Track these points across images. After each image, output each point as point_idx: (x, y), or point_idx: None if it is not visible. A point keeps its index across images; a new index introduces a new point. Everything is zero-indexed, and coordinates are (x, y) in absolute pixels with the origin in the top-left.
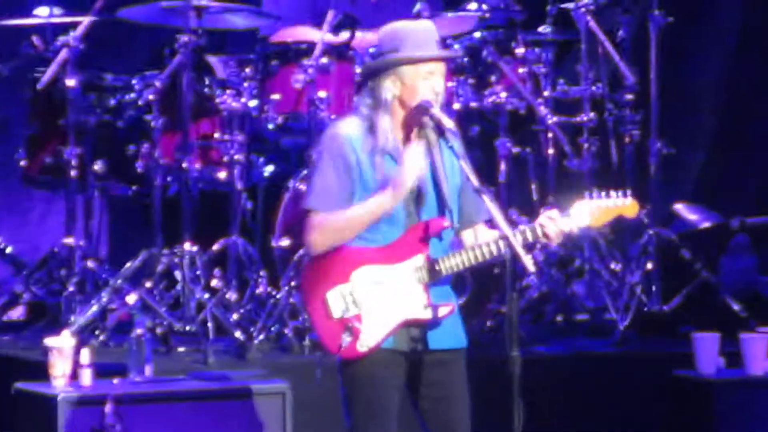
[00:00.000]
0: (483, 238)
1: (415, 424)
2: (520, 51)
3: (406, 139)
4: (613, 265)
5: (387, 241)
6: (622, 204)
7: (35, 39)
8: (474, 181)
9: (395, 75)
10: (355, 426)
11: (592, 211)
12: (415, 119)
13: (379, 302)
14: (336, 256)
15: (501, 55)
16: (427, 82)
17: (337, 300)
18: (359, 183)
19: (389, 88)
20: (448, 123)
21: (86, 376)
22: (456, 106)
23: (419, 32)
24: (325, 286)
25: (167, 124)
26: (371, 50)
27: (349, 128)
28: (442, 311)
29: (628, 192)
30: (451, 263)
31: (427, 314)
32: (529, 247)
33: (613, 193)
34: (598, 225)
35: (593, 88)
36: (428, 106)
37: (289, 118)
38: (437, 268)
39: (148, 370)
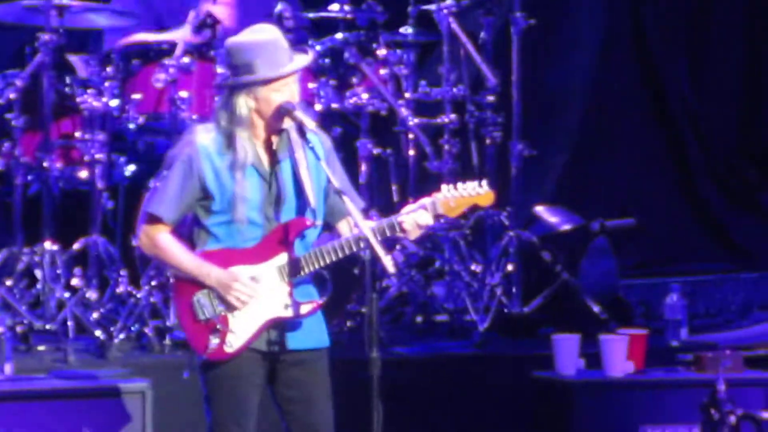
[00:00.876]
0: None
1: (278, 423)
2: (381, 52)
3: (268, 142)
4: (473, 267)
5: (250, 243)
6: (477, 193)
7: None
8: (334, 181)
9: (248, 92)
10: (215, 424)
11: (447, 201)
12: (277, 121)
13: (245, 303)
14: (203, 258)
15: (363, 57)
16: (281, 94)
17: (203, 303)
18: (218, 192)
19: (244, 104)
20: (310, 124)
21: None
22: (318, 107)
23: (269, 48)
24: (191, 290)
25: (28, 122)
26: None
27: (206, 139)
28: (305, 308)
29: (484, 181)
30: (312, 259)
31: (290, 312)
32: (389, 248)
33: (469, 183)
34: (454, 215)
35: (455, 89)
36: (290, 108)
37: (151, 117)
38: (300, 265)
39: (8, 368)
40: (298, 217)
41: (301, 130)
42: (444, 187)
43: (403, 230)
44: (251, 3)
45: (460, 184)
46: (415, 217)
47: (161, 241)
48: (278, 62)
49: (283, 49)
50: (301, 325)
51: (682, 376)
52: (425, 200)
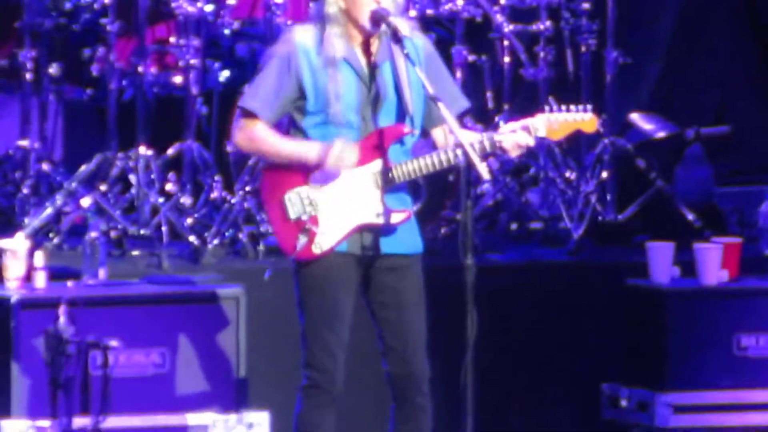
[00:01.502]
0: (449, 140)
1: (371, 329)
2: None
3: (365, 44)
4: (567, 174)
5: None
6: (581, 119)
7: None
8: (429, 88)
9: None
10: (307, 328)
11: (550, 124)
12: (371, 25)
13: (336, 205)
14: None
15: None
16: None
17: (294, 202)
18: (313, 90)
19: (332, 1)
20: (405, 29)
21: (40, 279)
22: (412, 13)
23: None
24: (283, 188)
25: (123, 28)
26: None
27: (303, 36)
28: (397, 217)
29: (588, 106)
30: (407, 169)
31: (381, 219)
32: (485, 155)
33: (572, 107)
34: (556, 138)
35: None
36: (384, 14)
37: (245, 23)
38: (393, 174)
39: (102, 273)
40: (397, 124)
41: (396, 36)
42: (546, 110)
43: (502, 149)
44: None
45: (563, 108)
46: (516, 138)
47: (257, 132)
48: None
49: None
50: (395, 230)
51: None
52: (528, 120)
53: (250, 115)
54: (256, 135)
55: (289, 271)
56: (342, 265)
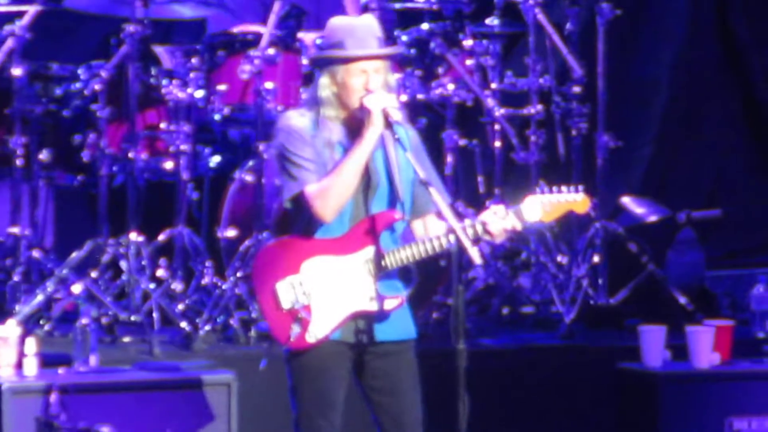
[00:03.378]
0: (433, 230)
1: (366, 417)
2: (467, 43)
3: (356, 131)
4: (559, 258)
5: (336, 232)
6: (573, 200)
7: None
8: (420, 173)
9: (329, 73)
10: (300, 416)
11: (543, 206)
12: (362, 110)
13: (329, 293)
14: (286, 246)
15: (449, 47)
16: (359, 80)
17: (287, 291)
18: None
19: (325, 85)
20: (396, 116)
21: (31, 366)
22: (403, 98)
23: (356, 29)
24: (275, 277)
25: (113, 114)
26: (318, 42)
27: (299, 120)
28: (390, 303)
29: (580, 187)
30: (400, 257)
31: (374, 306)
32: (475, 240)
33: (564, 188)
34: (549, 220)
35: (541, 80)
36: (376, 99)
37: (236, 108)
38: (385, 261)
39: (93, 360)
40: (388, 210)
41: (387, 120)
42: (538, 192)
43: (489, 233)
44: None
45: (555, 190)
46: (503, 224)
47: (318, 186)
48: (365, 44)
49: (373, 35)
50: (388, 316)
51: None
52: (521, 204)
53: (302, 194)
54: (321, 186)
55: (280, 357)
56: (335, 354)
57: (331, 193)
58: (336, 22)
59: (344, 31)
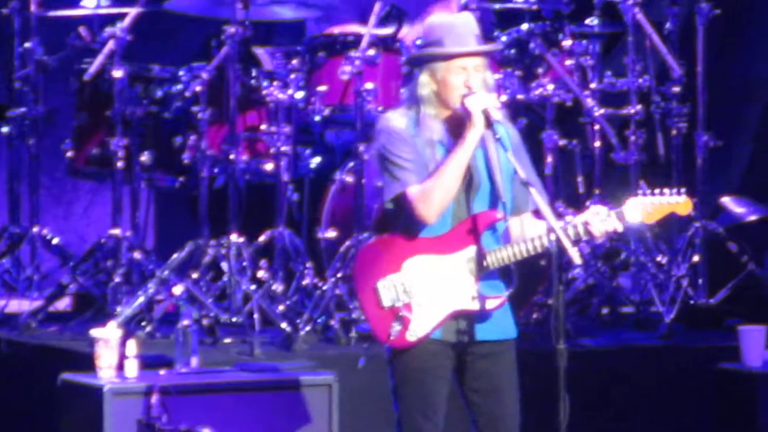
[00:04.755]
0: (529, 229)
1: (465, 416)
2: (567, 43)
3: (456, 130)
4: (659, 258)
5: (437, 231)
6: (675, 201)
7: (82, 30)
8: (521, 172)
9: (429, 70)
10: (403, 416)
11: (644, 207)
12: (462, 108)
13: (430, 292)
14: (387, 245)
15: (548, 48)
16: (459, 77)
17: (388, 289)
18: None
19: (425, 83)
20: (497, 115)
21: (132, 368)
22: (503, 98)
23: (455, 27)
24: (376, 275)
25: (214, 115)
26: (417, 42)
27: (398, 121)
28: (492, 303)
29: (681, 189)
30: (500, 256)
31: (476, 306)
32: (576, 240)
33: (665, 189)
34: (650, 222)
35: (640, 80)
36: (476, 97)
37: (336, 109)
38: (486, 261)
39: (195, 361)
40: (489, 210)
41: (488, 120)
42: (639, 194)
43: (590, 233)
44: None
45: (657, 192)
46: (605, 225)
47: (420, 188)
48: (464, 42)
49: (470, 30)
50: (489, 316)
51: None
52: (624, 206)
53: (404, 195)
54: (423, 188)
55: (381, 358)
56: (437, 353)
57: (434, 195)
58: (434, 20)
59: (443, 29)
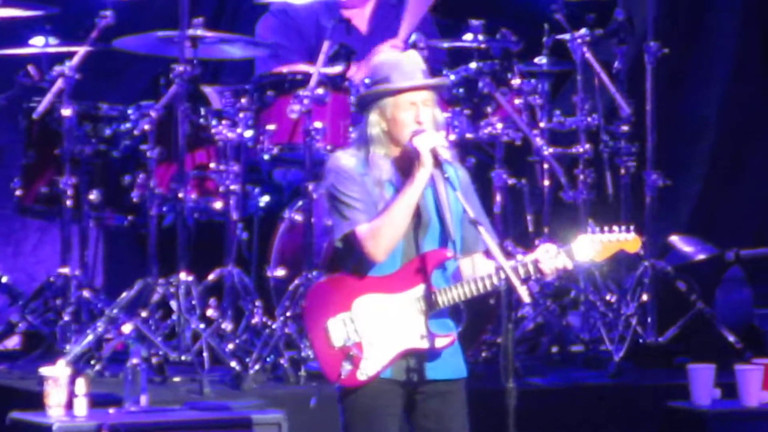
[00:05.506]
0: (480, 269)
1: None
2: (516, 82)
3: (405, 169)
4: (608, 297)
5: (387, 270)
6: (624, 239)
7: (31, 69)
8: (470, 212)
9: (378, 109)
10: None
11: (594, 245)
12: (414, 149)
13: (380, 331)
14: (337, 284)
15: (497, 86)
16: (408, 113)
17: (339, 328)
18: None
19: (374, 122)
20: (445, 154)
21: (82, 406)
22: (452, 137)
23: (402, 63)
24: (326, 314)
25: (163, 154)
26: (366, 81)
27: (348, 160)
28: (441, 342)
29: (630, 227)
30: (450, 295)
31: (425, 344)
32: (525, 278)
33: (614, 227)
34: (600, 260)
35: (589, 119)
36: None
37: (285, 148)
38: (436, 300)
39: (144, 399)
40: (439, 248)
41: (437, 159)
42: (589, 232)
43: (540, 272)
44: (383, 33)
45: (606, 229)
46: (555, 263)
47: (370, 226)
48: (411, 77)
49: (419, 68)
50: (439, 355)
51: None
52: (572, 243)
53: (353, 234)
54: (372, 226)
55: (331, 397)
56: (387, 392)
57: (383, 234)
58: (380, 58)
59: (390, 66)
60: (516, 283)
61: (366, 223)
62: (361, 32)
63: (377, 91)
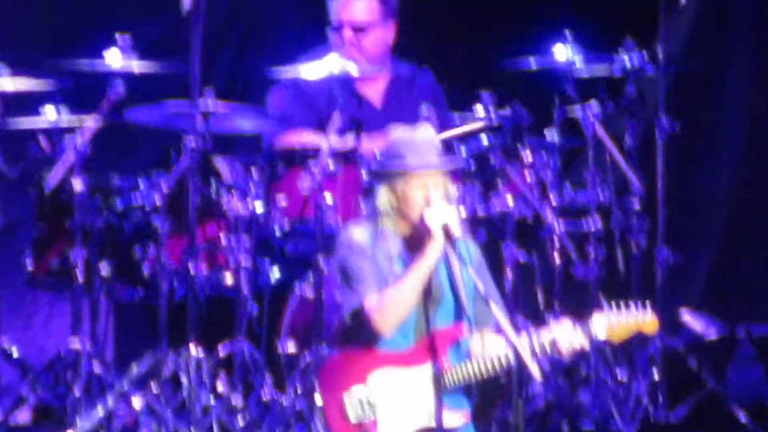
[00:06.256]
0: (490, 344)
1: None
2: (527, 156)
3: (416, 244)
4: (619, 374)
5: (400, 345)
6: (642, 320)
7: (42, 140)
8: (481, 288)
9: (389, 184)
10: None
11: (611, 326)
12: (425, 226)
13: (395, 407)
14: (351, 358)
15: (508, 161)
16: (420, 192)
17: (354, 403)
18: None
19: (384, 198)
20: (457, 231)
21: None
22: (463, 212)
23: (416, 142)
24: (341, 387)
25: (173, 226)
26: (379, 156)
27: (359, 234)
28: (455, 421)
29: (647, 303)
30: (463, 373)
31: (439, 423)
32: (535, 355)
33: (630, 303)
34: (617, 341)
35: (600, 194)
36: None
37: (296, 222)
38: (449, 377)
39: None
40: (454, 326)
41: (449, 235)
42: (605, 310)
43: (558, 352)
44: (395, 107)
45: (623, 308)
46: (573, 344)
47: (378, 301)
48: (425, 157)
49: (433, 148)
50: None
51: None
52: (590, 324)
53: (362, 308)
54: (381, 301)
55: None
56: None
57: (391, 309)
58: (396, 134)
59: (404, 144)
60: (527, 359)
61: (375, 298)
62: (375, 106)
63: (390, 168)
